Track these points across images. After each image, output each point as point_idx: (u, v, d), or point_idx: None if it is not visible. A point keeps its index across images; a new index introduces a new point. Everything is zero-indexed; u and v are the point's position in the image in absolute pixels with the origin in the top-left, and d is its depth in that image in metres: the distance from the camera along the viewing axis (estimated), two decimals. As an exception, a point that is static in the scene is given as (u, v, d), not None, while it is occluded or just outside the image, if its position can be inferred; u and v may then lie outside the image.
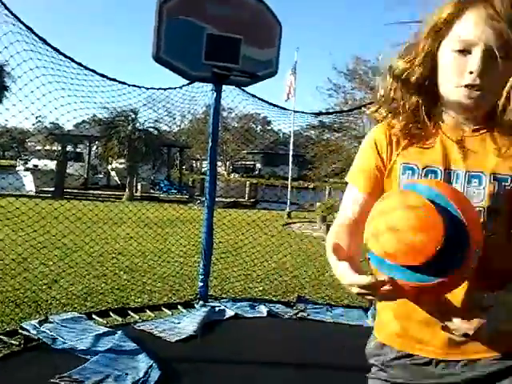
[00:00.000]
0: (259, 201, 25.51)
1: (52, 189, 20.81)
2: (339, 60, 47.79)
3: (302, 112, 7.16)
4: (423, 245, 0.94)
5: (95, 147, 27.94)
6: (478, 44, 1.08)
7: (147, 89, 5.31)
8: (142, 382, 3.30)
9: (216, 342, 4.31)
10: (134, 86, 5.12)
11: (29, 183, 21.65)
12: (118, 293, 5.55)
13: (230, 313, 4.98)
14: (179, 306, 5.17)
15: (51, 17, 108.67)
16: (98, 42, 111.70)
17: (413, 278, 1.00)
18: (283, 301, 5.64)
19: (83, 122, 22.50)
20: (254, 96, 5.57)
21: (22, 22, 4.06)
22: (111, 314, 4.79)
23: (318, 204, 18.10)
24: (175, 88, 5.37)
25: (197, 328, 4.41)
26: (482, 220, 1.11)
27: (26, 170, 23.40)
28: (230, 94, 5.43)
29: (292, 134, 18.46)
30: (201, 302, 5.20)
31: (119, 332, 4.15)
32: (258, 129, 61.12)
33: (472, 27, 1.08)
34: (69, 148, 28.90)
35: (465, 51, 1.10)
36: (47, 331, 4.06)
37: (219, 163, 44.67)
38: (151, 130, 23.61)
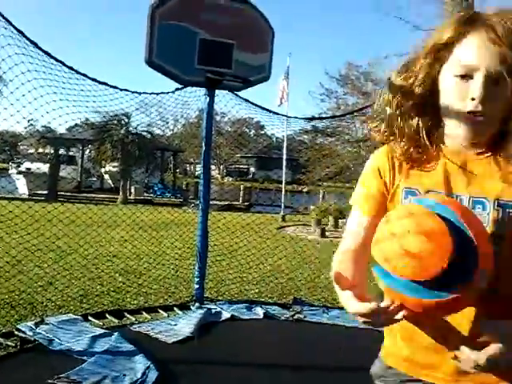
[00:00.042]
0: (253, 204, 25.55)
1: (45, 192, 20.73)
2: (331, 65, 48.08)
3: (295, 117, 7.19)
4: (432, 260, 0.94)
5: (88, 150, 27.86)
6: (479, 69, 1.06)
7: (139, 93, 5.32)
8: (139, 383, 3.30)
9: (212, 344, 4.31)
10: (126, 90, 5.11)
11: (22, 186, 21.56)
12: (113, 295, 5.53)
13: (226, 315, 4.97)
14: (175, 308, 5.16)
15: (43, 20, 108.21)
16: (89, 45, 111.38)
17: (420, 294, 0.99)
18: (279, 303, 5.64)
19: (76, 125, 22.48)
20: (247, 101, 5.60)
21: (13, 26, 4.04)
22: (107, 315, 4.77)
23: (312, 207, 18.13)
24: (168, 92, 5.37)
25: (193, 330, 4.41)
26: None
27: (19, 173, 23.30)
28: (222, 98, 5.46)
29: (285, 139, 18.51)
30: (197, 304, 5.20)
31: (116, 333, 4.13)
32: (251, 133, 61.24)
33: (473, 52, 1.07)
34: (61, 151, 28.79)
35: (466, 76, 1.07)
36: (43, 333, 4.04)
37: (213, 167, 44.67)
38: (144, 133, 23.60)
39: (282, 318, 5.03)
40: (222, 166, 54.46)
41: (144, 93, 5.38)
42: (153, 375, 3.40)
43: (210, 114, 5.20)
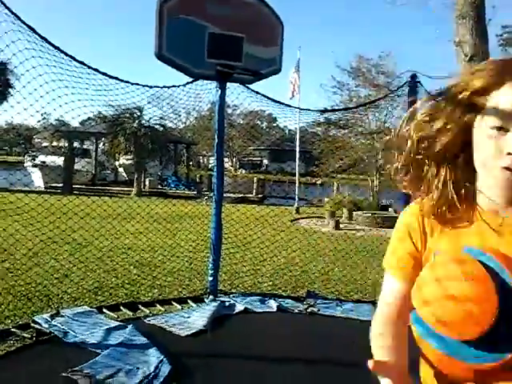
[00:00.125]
0: (267, 196, 25.53)
1: (60, 185, 20.93)
2: (342, 58, 47.58)
3: (308, 109, 7.14)
4: (478, 315, 0.90)
5: (102, 144, 28.04)
6: None
7: (150, 87, 5.31)
8: (152, 377, 3.31)
9: (226, 337, 4.31)
10: (137, 84, 5.11)
11: (37, 179, 21.78)
12: (128, 287, 5.57)
13: (239, 307, 4.98)
14: (189, 301, 5.18)
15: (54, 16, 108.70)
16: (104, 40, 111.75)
17: (464, 354, 0.94)
18: (293, 296, 5.63)
19: (89, 119, 22.66)
20: (258, 93, 5.57)
21: (22, 21, 4.04)
22: (122, 308, 4.81)
23: (326, 199, 18.08)
24: (179, 86, 5.36)
25: (207, 322, 4.42)
26: None
27: (34, 166, 23.49)
28: (234, 91, 5.44)
29: (298, 131, 18.45)
30: (211, 297, 5.21)
31: (130, 326, 4.17)
32: (263, 125, 61.23)
33: (511, 103, 0.99)
34: (76, 144, 29.01)
35: (503, 128, 0.99)
36: (59, 325, 4.08)
37: (226, 159, 44.74)
38: (157, 126, 23.66)
39: (296, 311, 5.02)
40: (235, 159, 54.53)
41: (155, 86, 5.38)
42: (166, 369, 3.42)
43: (221, 106, 5.20)
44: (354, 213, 14.62)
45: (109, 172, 29.21)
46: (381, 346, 1.17)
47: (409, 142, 1.14)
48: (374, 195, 18.53)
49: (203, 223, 8.23)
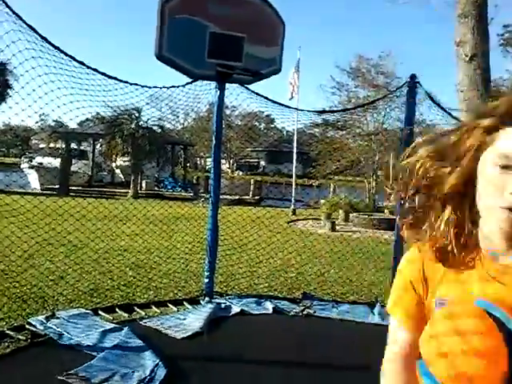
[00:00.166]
0: (264, 198, 25.52)
1: (57, 186, 20.88)
2: (342, 58, 47.75)
3: (306, 110, 7.15)
4: (493, 370, 0.90)
5: (99, 145, 27.98)
6: None
7: (149, 87, 5.31)
8: (148, 380, 3.30)
9: (222, 339, 4.31)
10: (136, 84, 5.10)
11: (34, 181, 21.74)
12: (124, 289, 5.56)
13: (235, 309, 4.98)
14: (185, 302, 5.17)
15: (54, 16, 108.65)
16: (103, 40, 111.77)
17: None
18: (289, 297, 5.64)
19: (87, 120, 22.62)
20: (257, 94, 5.57)
21: (23, 21, 4.04)
22: (117, 309, 4.80)
23: (322, 201, 18.10)
24: (178, 86, 5.36)
25: (203, 324, 4.41)
26: None
27: (31, 167, 23.43)
28: (233, 91, 5.44)
29: (296, 132, 18.44)
30: (206, 299, 5.21)
31: (125, 328, 4.16)
32: (261, 127, 61.21)
33: None
34: (73, 146, 28.95)
35: (509, 167, 0.97)
36: (54, 327, 4.07)
37: (223, 161, 44.63)
38: (155, 128, 23.63)
39: (292, 312, 5.02)
40: (232, 160, 54.50)
41: (154, 87, 5.37)
42: (161, 372, 3.41)
43: (220, 107, 5.20)
44: (351, 214, 14.63)
45: (105, 173, 29.15)
46: None
47: (412, 180, 1.11)
48: (371, 197, 18.56)
49: (200, 225, 8.23)
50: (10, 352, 3.67)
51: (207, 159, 46.89)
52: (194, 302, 5.22)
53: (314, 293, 5.89)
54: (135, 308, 4.91)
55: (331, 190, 22.54)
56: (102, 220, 9.26)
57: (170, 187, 26.55)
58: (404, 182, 1.12)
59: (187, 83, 5.26)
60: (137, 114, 22.60)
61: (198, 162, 54.75)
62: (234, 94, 5.48)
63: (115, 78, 4.94)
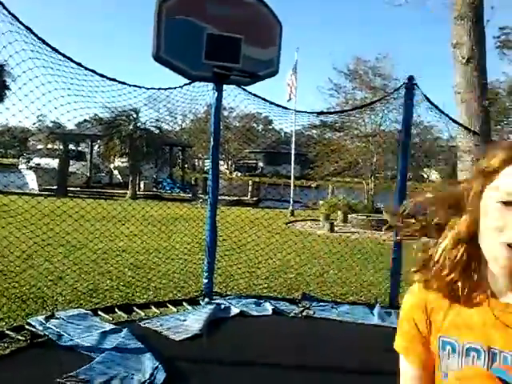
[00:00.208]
0: (262, 199, 25.52)
1: (55, 187, 20.86)
2: (339, 60, 47.74)
3: (304, 111, 7.16)
4: None
5: (97, 146, 27.96)
6: None
7: (147, 89, 5.29)
8: (148, 384, 3.28)
9: (222, 341, 4.29)
10: (135, 85, 5.09)
11: (31, 182, 21.69)
12: (123, 289, 5.55)
13: (235, 310, 4.97)
14: (184, 303, 5.17)
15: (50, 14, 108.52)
16: (99, 41, 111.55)
17: None
18: (288, 298, 5.63)
19: (85, 121, 22.52)
20: (255, 95, 5.57)
21: (19, 22, 4.04)
22: (117, 310, 4.79)
23: (321, 202, 18.09)
24: (176, 88, 5.36)
25: (202, 326, 4.40)
26: None
27: (29, 168, 23.40)
28: (231, 93, 5.43)
29: (294, 134, 18.45)
30: (206, 299, 5.20)
31: (125, 330, 4.14)
32: (259, 128, 61.24)
33: None
34: (71, 147, 28.93)
35: (508, 204, 0.98)
36: (53, 327, 4.06)
37: (221, 162, 44.66)
38: (152, 129, 23.62)
39: (291, 314, 5.02)
40: (230, 161, 54.51)
41: (152, 88, 5.37)
42: (161, 376, 3.39)
43: (217, 108, 5.20)
44: (349, 215, 14.63)
45: (103, 174, 29.13)
46: None
47: (420, 221, 1.13)
48: (369, 198, 18.57)
49: (198, 226, 8.21)
50: (9, 353, 3.66)
51: (205, 160, 46.87)
52: (194, 302, 5.22)
53: (313, 293, 5.89)
54: (134, 308, 4.90)
55: (329, 191, 22.55)
56: (100, 221, 9.23)
57: (168, 188, 26.54)
58: (412, 223, 1.15)
59: (185, 84, 5.26)
60: (135, 115, 22.58)
61: (196, 163, 54.74)
62: (232, 96, 5.48)
63: (113, 79, 4.93)
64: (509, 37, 20.33)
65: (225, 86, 5.19)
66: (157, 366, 3.51)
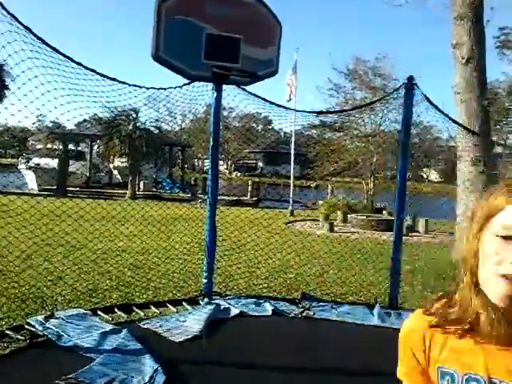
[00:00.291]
0: (262, 199, 25.52)
1: (54, 187, 20.84)
2: (339, 60, 47.76)
3: (303, 111, 7.15)
4: None
5: (97, 146, 27.96)
6: None
7: (147, 88, 5.29)
8: (147, 387, 3.27)
9: (221, 342, 4.27)
10: (135, 85, 5.08)
11: (31, 182, 21.69)
12: (122, 289, 5.54)
13: (235, 311, 4.96)
14: (184, 303, 5.16)
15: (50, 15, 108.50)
16: (99, 41, 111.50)
17: None
18: (288, 298, 5.62)
19: (84, 120, 22.51)
20: (254, 95, 5.56)
21: (18, 22, 4.03)
22: (116, 310, 4.78)
23: (320, 202, 18.10)
24: (175, 87, 5.35)
25: (202, 327, 4.38)
26: None
27: (28, 168, 23.39)
28: (230, 93, 5.42)
29: (293, 133, 18.45)
30: (205, 299, 5.20)
31: (124, 330, 4.12)
32: (259, 128, 61.25)
33: None
34: (70, 147, 28.92)
35: (509, 238, 1.01)
36: (53, 327, 4.05)
37: (221, 162, 44.68)
38: (152, 129, 23.61)
39: (291, 314, 5.00)
40: (229, 161, 54.53)
41: (152, 88, 5.36)
42: (160, 379, 3.37)
43: (217, 108, 5.20)
44: (349, 215, 14.63)
45: (103, 174, 29.12)
46: None
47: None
48: (369, 198, 18.57)
49: (197, 226, 8.21)
50: (9, 352, 3.65)
51: (205, 160, 46.91)
52: (193, 302, 5.21)
53: (313, 293, 5.88)
54: (134, 308, 4.89)
55: (329, 191, 22.55)
56: (100, 221, 9.24)
57: (167, 188, 26.55)
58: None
59: (184, 84, 5.25)
60: (134, 115, 22.59)
61: (196, 163, 54.78)
62: (231, 96, 5.46)
63: (113, 79, 4.92)
64: (508, 37, 20.35)
65: (224, 86, 5.18)
66: (156, 369, 3.48)
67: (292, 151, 18.65)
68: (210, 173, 5.40)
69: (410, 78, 5.43)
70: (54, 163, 23.88)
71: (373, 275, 7.05)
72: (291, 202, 17.48)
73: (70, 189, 21.32)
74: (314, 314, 5.05)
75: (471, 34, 6.56)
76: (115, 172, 28.69)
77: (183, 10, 4.76)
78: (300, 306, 5.24)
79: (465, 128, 6.60)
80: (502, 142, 26.31)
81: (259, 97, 5.61)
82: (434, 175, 38.74)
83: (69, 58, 4.49)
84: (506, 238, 1.01)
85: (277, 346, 4.18)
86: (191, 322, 4.54)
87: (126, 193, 22.11)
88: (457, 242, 8.08)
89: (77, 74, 4.65)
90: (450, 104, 7.29)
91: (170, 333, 4.26)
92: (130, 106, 9.22)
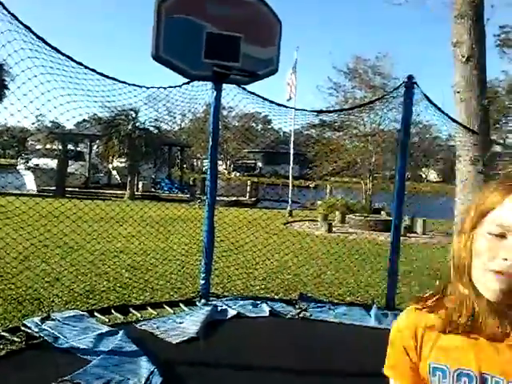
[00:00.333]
0: (260, 199, 25.53)
1: (53, 188, 20.83)
2: (339, 59, 47.83)
3: (303, 110, 7.14)
4: None
5: (96, 146, 27.95)
6: None
7: (147, 88, 5.28)
8: (143, 389, 3.26)
9: (219, 343, 4.26)
10: (134, 85, 5.08)
11: (29, 182, 21.69)
12: (120, 291, 5.54)
13: (232, 312, 4.95)
14: (181, 304, 5.16)
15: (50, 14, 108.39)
16: (98, 41, 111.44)
17: None
18: (285, 299, 5.62)
19: (84, 120, 22.56)
20: (254, 94, 5.55)
21: (18, 21, 4.02)
22: (113, 311, 4.78)
23: (319, 202, 18.10)
24: (175, 87, 5.35)
25: (199, 328, 4.38)
26: None
27: (27, 168, 23.38)
28: (230, 92, 5.41)
29: (293, 133, 18.44)
30: (203, 300, 5.20)
31: (121, 332, 4.10)
32: (258, 127, 61.24)
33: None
34: (69, 147, 28.91)
35: (500, 236, 1.02)
36: (49, 329, 4.05)
37: (220, 162, 44.65)
38: (151, 128, 23.61)
39: (289, 315, 5.00)
40: (228, 161, 54.52)
41: (152, 87, 5.35)
42: (157, 380, 3.36)
43: (216, 108, 5.19)
44: (347, 216, 14.63)
45: (102, 175, 29.11)
46: None
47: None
48: (367, 198, 18.57)
49: (196, 226, 8.22)
50: (4, 354, 3.64)
51: (204, 160, 46.89)
52: (190, 303, 5.21)
53: (310, 294, 5.88)
54: (131, 309, 4.89)
55: (328, 191, 22.56)
56: (98, 222, 9.23)
57: (166, 188, 26.54)
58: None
59: (184, 83, 5.25)
60: (134, 115, 22.59)
61: (195, 164, 54.75)
62: (231, 95, 5.45)
63: (113, 79, 4.91)
64: (509, 35, 20.35)
65: (224, 85, 5.18)
66: (153, 371, 3.47)
67: (291, 151, 18.64)
68: (208, 173, 5.40)
69: (410, 77, 5.43)
70: (53, 163, 23.88)
71: (370, 276, 7.05)
72: (290, 202, 17.48)
73: (69, 189, 21.31)
74: (311, 315, 5.05)
75: (471, 33, 6.55)
76: (114, 172, 28.68)
77: (183, 9, 4.76)
78: (297, 307, 5.24)
79: (464, 127, 6.59)
80: (502, 141, 26.31)
81: (259, 96, 5.60)
82: (432, 175, 38.77)
83: (68, 57, 4.48)
84: (498, 235, 1.02)
85: (274, 347, 4.18)
86: (188, 323, 4.53)
87: (124, 193, 22.11)
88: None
89: (76, 74, 4.64)
90: (449, 103, 7.28)
91: (166, 334, 4.25)
92: (129, 105, 9.21)
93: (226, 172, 50.71)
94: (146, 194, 23.00)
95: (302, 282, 6.52)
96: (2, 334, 3.96)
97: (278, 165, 46.78)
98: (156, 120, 20.15)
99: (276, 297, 5.75)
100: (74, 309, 4.75)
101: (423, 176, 33.47)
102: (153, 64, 4.82)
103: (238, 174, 50.78)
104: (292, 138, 18.31)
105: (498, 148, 24.13)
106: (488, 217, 1.05)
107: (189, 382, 3.52)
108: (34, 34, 4.15)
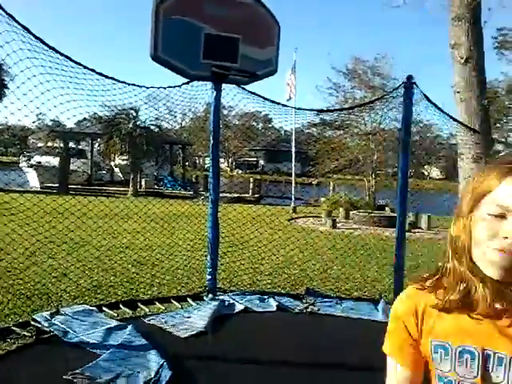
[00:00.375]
0: (263, 196, 25.53)
1: (56, 185, 20.86)
2: (338, 60, 47.79)
3: (304, 109, 7.13)
4: None
5: (97, 144, 27.97)
6: None
7: (147, 88, 5.29)
8: (153, 382, 3.26)
9: (226, 338, 4.27)
10: (134, 84, 5.08)
11: (32, 180, 21.72)
12: (127, 285, 5.55)
13: (239, 307, 4.96)
14: (188, 299, 5.17)
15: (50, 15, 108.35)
16: (98, 41, 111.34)
17: None
18: (292, 294, 5.62)
19: (84, 119, 22.55)
20: (254, 93, 5.55)
21: (17, 22, 4.00)
22: (121, 306, 4.79)
23: (322, 199, 18.12)
24: (175, 87, 5.35)
25: (207, 323, 4.39)
26: None
27: (30, 166, 23.41)
28: (230, 92, 5.41)
29: (293, 132, 18.46)
30: (210, 295, 5.20)
31: (130, 326, 4.12)
32: (259, 126, 61.20)
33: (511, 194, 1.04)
34: (71, 144, 28.94)
35: (500, 216, 1.04)
36: (59, 323, 4.06)
37: (222, 160, 44.65)
38: (152, 127, 23.62)
39: (296, 310, 5.01)
40: (230, 159, 54.55)
41: (151, 87, 5.35)
42: (166, 374, 3.36)
43: (216, 107, 5.21)
44: (351, 212, 14.63)
45: (104, 172, 29.15)
46: None
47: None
48: (371, 195, 18.57)
49: (200, 222, 8.22)
50: (15, 349, 3.66)
51: (206, 158, 46.88)
52: (198, 298, 5.22)
53: (317, 289, 5.88)
54: (139, 304, 4.90)
55: (331, 188, 22.57)
56: (102, 218, 9.24)
57: (169, 186, 26.59)
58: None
59: (183, 83, 5.25)
60: (134, 114, 22.60)
61: (197, 161, 54.77)
62: (231, 95, 5.45)
63: (112, 78, 4.91)
64: (506, 37, 20.34)
65: (223, 85, 5.19)
66: (162, 364, 3.49)
67: (293, 149, 18.65)
68: (210, 170, 5.40)
69: (409, 77, 5.43)
70: (55, 161, 23.91)
71: (376, 271, 7.05)
72: (293, 198, 17.49)
73: (72, 186, 21.34)
74: (319, 309, 5.05)
75: (469, 35, 6.55)
76: (116, 170, 28.71)
77: (181, 11, 4.77)
78: (304, 301, 5.25)
79: (465, 126, 6.59)
80: (503, 139, 26.32)
81: (259, 95, 5.60)
82: (435, 172, 38.76)
83: (67, 57, 4.48)
84: (498, 216, 1.04)
85: (282, 341, 4.18)
86: (196, 317, 4.54)
87: (127, 190, 22.13)
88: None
89: (76, 74, 4.64)
90: (449, 103, 7.28)
91: (175, 328, 4.26)
92: (129, 104, 9.20)
93: (228, 169, 50.73)
94: (149, 191, 23.03)
95: (308, 277, 6.52)
96: (13, 328, 3.97)
97: (280, 162, 46.80)
98: (157, 119, 20.20)
99: (283, 292, 5.75)
100: (82, 303, 4.75)
101: (426, 173, 33.45)
102: (152, 64, 4.84)
103: (240, 171, 50.79)
104: (293, 137, 18.32)
105: (499, 146, 24.15)
106: (485, 199, 1.07)
107: (197, 376, 3.52)
108: (32, 34, 4.14)
